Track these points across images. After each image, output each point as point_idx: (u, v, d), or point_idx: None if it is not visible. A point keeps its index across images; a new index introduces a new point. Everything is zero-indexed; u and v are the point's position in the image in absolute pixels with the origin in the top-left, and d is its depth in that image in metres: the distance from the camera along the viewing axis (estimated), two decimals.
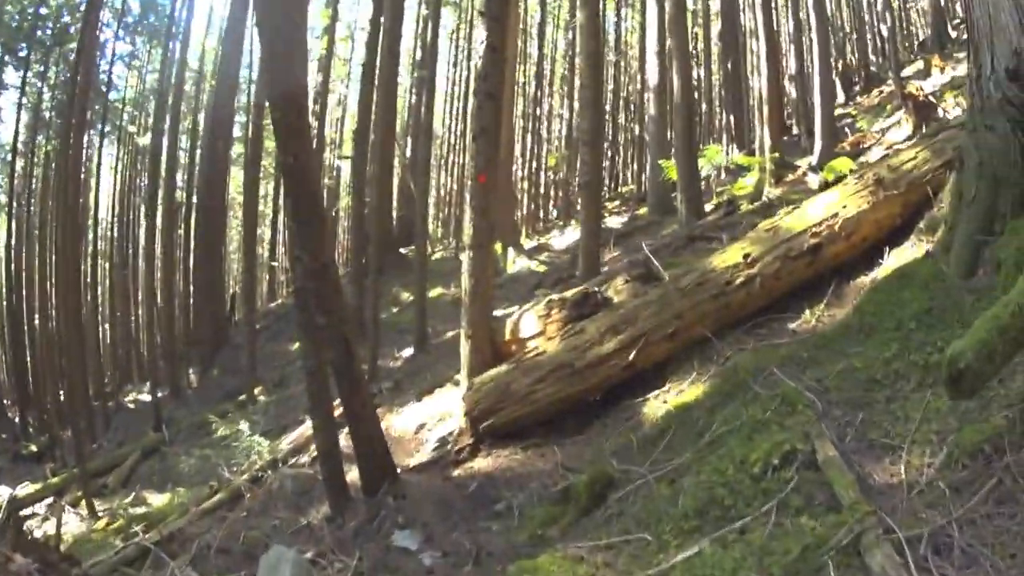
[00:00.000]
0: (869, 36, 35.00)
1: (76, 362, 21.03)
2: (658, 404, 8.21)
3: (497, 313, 11.49)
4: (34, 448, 23.69)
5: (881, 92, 27.31)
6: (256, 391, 19.85)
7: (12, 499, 13.68)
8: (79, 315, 23.19)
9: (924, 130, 14.93)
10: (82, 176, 26.74)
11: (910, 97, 17.88)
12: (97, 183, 28.15)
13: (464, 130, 39.09)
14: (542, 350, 8.86)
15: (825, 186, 13.58)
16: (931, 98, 17.84)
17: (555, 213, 39.21)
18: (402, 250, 28.65)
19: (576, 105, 34.91)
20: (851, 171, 12.39)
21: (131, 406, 25.17)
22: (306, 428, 12.29)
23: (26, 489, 16.45)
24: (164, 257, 26.53)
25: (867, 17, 35.41)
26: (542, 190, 38.78)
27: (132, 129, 32.73)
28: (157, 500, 14.44)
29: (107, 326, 35.82)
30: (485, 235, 10.00)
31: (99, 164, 28.61)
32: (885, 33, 32.53)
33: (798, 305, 8.73)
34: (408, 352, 17.94)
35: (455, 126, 41.97)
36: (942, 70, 23.00)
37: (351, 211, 25.59)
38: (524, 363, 8.81)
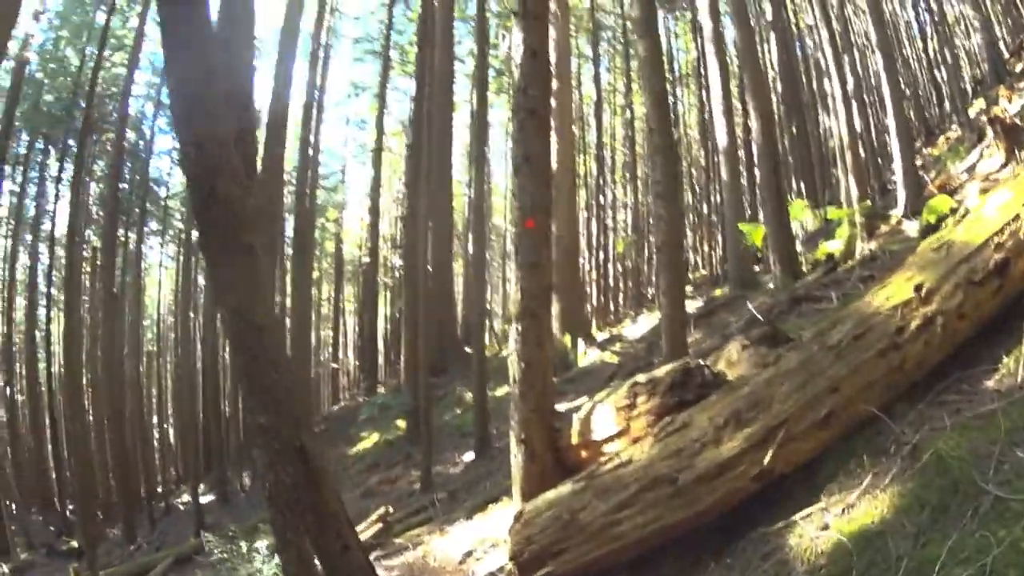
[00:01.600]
0: (921, 91, 31.94)
1: (119, 461, 20.42)
2: (814, 530, 4.84)
3: (562, 407, 8.20)
4: (74, 544, 21.34)
5: (948, 139, 24.80)
6: None
7: None
8: (121, 414, 22.36)
9: (1018, 154, 13.60)
10: (129, 272, 24.81)
11: (997, 121, 15.20)
12: (159, 280, 25.73)
13: None
14: (626, 458, 5.58)
15: (928, 230, 11.03)
16: (1018, 121, 15.11)
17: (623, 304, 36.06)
18: (468, 349, 25.67)
19: (635, 193, 32.38)
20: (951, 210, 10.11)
21: (182, 508, 22.50)
22: None
23: None
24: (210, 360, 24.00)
25: (916, 69, 32.42)
26: (611, 281, 35.64)
27: (180, 225, 30.52)
28: None
29: (167, 425, 33.23)
30: (538, 300, 6.91)
31: (160, 262, 26.26)
32: (942, 77, 30.44)
33: (988, 352, 5.46)
34: (469, 456, 15.47)
35: None
36: (1010, 99, 20.05)
37: (406, 306, 22.78)
38: (599, 478, 5.59)
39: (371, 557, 9.25)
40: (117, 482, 22.59)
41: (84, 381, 25.54)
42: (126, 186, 27.51)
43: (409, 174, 21.93)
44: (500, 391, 20.45)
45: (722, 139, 20.06)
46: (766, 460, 5.11)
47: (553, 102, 20.67)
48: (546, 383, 6.90)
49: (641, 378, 6.19)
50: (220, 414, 25.69)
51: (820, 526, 4.82)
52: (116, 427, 22.48)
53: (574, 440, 6.65)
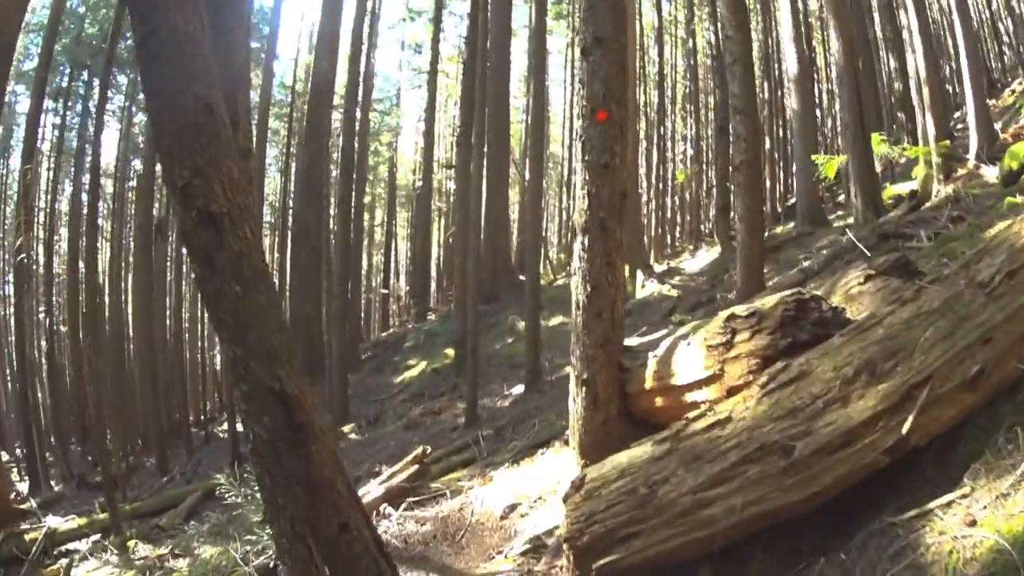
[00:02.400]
0: (985, 45, 29.71)
1: (151, 389, 19.48)
2: (958, 525, 3.45)
3: (629, 343, 6.81)
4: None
5: (1013, 92, 23.43)
6: (347, 429, 16.82)
7: (50, 533, 12.03)
8: (151, 341, 21.78)
9: None
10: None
11: None
12: None
13: None
14: (723, 414, 4.18)
15: (1010, 177, 11.43)
16: None
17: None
18: (523, 277, 24.38)
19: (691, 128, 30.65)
20: None
21: (223, 436, 21.55)
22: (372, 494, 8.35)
23: (70, 523, 13.23)
24: None
25: (978, 23, 30.06)
26: (668, 214, 33.85)
27: None
28: (204, 552, 10.42)
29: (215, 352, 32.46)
30: (609, 208, 5.53)
31: None
32: (1007, 29, 28.95)
33: None
34: (519, 390, 14.17)
35: (575, 150, 37.56)
36: None
37: (457, 228, 21.45)
38: (686, 440, 4.22)
39: (402, 505, 8.11)
40: (149, 411, 21.51)
41: (128, 311, 24.67)
42: None
43: (464, 90, 20.39)
44: (554, 320, 19.43)
45: (792, 67, 18.63)
46: (905, 427, 3.72)
47: None
48: (615, 312, 5.56)
49: (740, 309, 4.76)
50: None
51: (966, 520, 3.45)
52: (147, 356, 21.52)
53: (648, 384, 5.30)
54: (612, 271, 5.47)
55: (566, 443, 8.19)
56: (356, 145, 22.27)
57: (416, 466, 8.96)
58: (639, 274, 20.47)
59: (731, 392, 4.48)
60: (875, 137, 15.78)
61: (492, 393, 14.76)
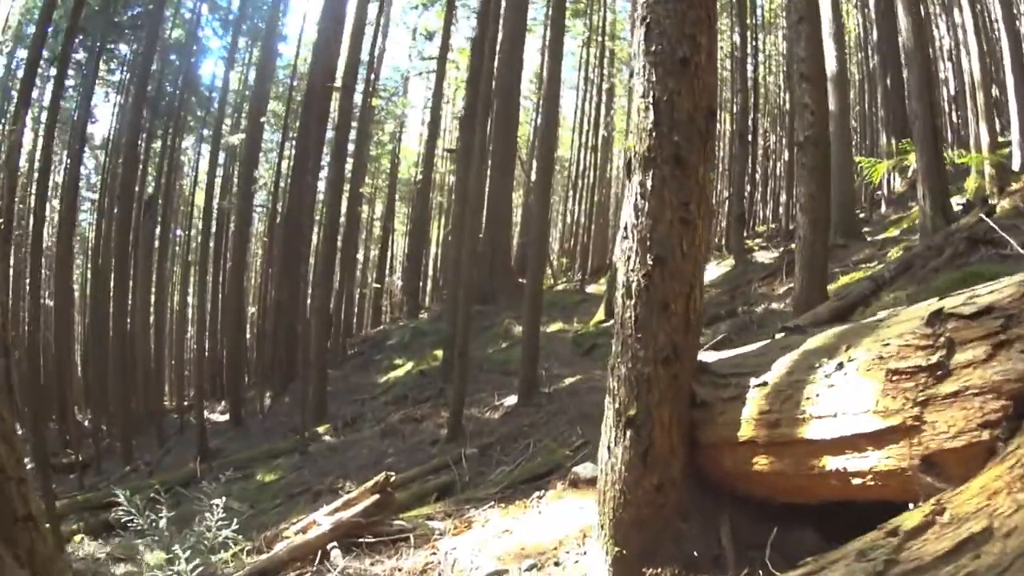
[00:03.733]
0: None
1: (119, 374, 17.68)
2: None
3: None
4: (72, 459, 18.31)
5: None
6: (321, 430, 14.78)
7: None
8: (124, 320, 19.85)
9: None
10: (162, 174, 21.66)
11: None
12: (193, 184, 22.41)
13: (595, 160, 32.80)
14: (968, 522, 1.79)
15: None
16: None
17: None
18: (522, 280, 22.14)
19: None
20: None
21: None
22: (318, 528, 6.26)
23: None
24: (233, 267, 20.63)
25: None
26: None
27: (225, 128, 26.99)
28: (150, 556, 8.27)
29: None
30: (686, 131, 3.28)
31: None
32: None
33: None
34: (511, 401, 11.91)
35: (584, 156, 35.44)
36: None
37: (454, 219, 19.22)
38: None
39: (351, 552, 5.84)
40: (116, 396, 19.51)
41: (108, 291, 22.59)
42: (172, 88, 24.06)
43: (471, 69, 18.28)
44: (552, 326, 17.54)
45: (831, 65, 16.28)
46: None
47: None
48: (692, 304, 3.24)
49: (954, 303, 2.40)
50: (243, 328, 22.47)
51: None
52: (119, 336, 19.39)
53: (746, 432, 2.96)
54: (690, 233, 3.18)
55: (572, 484, 5.92)
56: (355, 126, 20.09)
57: (377, 495, 6.64)
58: None
59: (932, 461, 2.18)
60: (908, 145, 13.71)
61: (481, 403, 12.53)
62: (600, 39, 31.05)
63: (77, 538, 10.22)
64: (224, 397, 22.08)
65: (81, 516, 11.58)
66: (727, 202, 25.51)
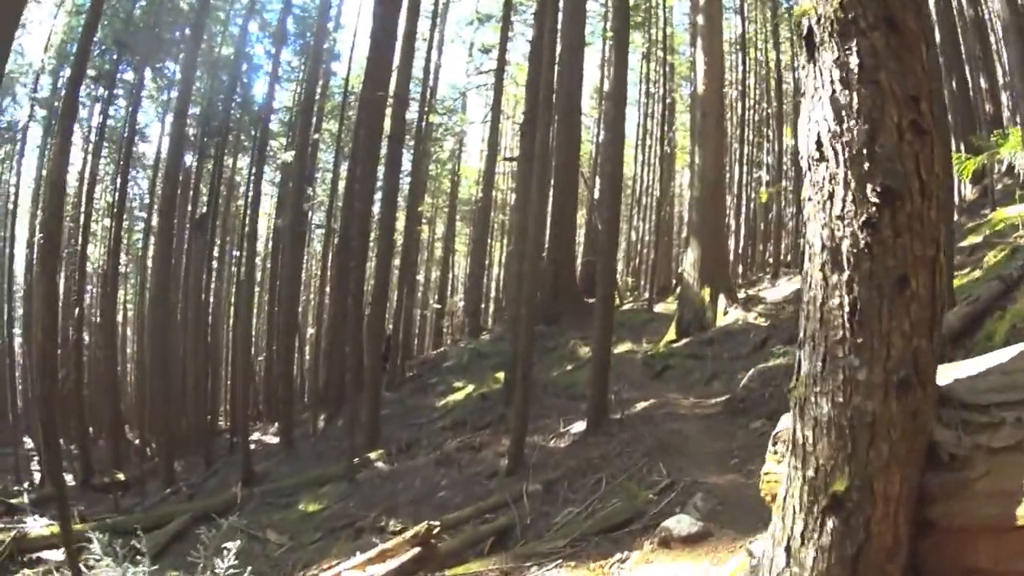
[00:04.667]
0: None
1: (162, 393, 16.78)
2: None
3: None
4: (120, 477, 17.82)
5: None
6: (374, 455, 13.87)
7: (18, 537, 10.75)
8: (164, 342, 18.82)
9: None
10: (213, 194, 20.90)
11: None
12: (253, 204, 21.67)
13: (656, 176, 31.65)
14: None
15: None
16: None
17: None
18: (588, 300, 20.86)
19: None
20: None
21: (253, 447, 18.69)
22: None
23: (41, 529, 11.61)
24: (285, 286, 19.84)
25: None
26: (742, 239, 29.66)
27: (277, 145, 26.24)
28: None
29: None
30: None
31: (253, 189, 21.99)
32: None
33: None
34: (578, 428, 10.85)
35: (647, 173, 34.08)
36: None
37: (513, 231, 18.04)
38: None
39: None
40: (160, 415, 18.72)
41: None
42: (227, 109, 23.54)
43: (529, 89, 17.20)
44: (621, 347, 16.44)
45: None
46: None
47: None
48: (937, 284, 1.91)
49: None
50: (292, 348, 21.58)
51: None
52: (160, 358, 18.60)
53: None
54: (926, 150, 1.89)
55: (663, 544, 4.61)
56: (411, 143, 19.09)
57: (418, 548, 5.43)
58: (721, 299, 16.87)
59: None
60: (1016, 131, 12.07)
61: (545, 430, 11.42)
62: (661, 53, 29.67)
63: (103, 563, 9.36)
64: (278, 419, 21.26)
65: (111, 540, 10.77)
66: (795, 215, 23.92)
